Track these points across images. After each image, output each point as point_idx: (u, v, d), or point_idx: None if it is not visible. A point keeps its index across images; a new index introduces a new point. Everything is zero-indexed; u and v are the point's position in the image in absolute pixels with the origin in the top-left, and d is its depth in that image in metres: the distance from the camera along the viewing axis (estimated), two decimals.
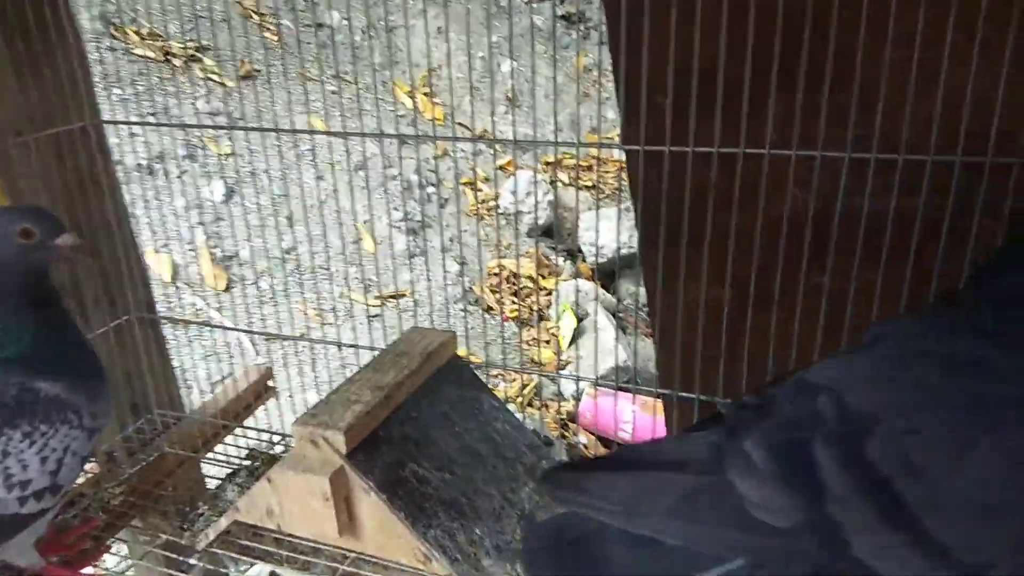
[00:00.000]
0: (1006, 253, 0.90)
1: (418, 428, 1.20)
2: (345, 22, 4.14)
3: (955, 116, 1.03)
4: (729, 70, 1.10)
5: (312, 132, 1.79)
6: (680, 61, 1.12)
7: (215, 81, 3.67)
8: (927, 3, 0.99)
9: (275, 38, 4.00)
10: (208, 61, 3.79)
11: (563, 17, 4.34)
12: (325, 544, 1.16)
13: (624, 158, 1.24)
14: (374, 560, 1.14)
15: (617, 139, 3.99)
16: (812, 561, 0.78)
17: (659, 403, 2.17)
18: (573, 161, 4.10)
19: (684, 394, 1.29)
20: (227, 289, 3.05)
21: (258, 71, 3.78)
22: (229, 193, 3.32)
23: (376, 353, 1.29)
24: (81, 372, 1.11)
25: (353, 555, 1.15)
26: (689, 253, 1.20)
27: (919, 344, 0.81)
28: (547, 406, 2.72)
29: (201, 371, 2.68)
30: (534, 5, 4.83)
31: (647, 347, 2.78)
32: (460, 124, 3.91)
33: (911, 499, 0.73)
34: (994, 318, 0.79)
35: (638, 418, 2.18)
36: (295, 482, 1.06)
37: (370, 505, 1.08)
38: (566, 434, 2.53)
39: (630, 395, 2.31)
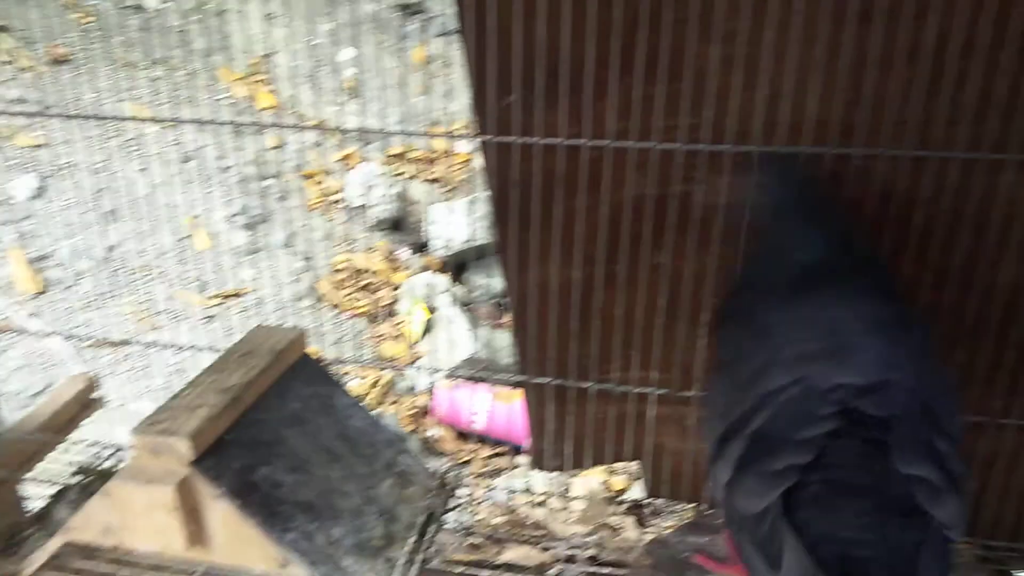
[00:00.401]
0: None
1: (269, 430, 1.15)
2: (169, 3, 3.89)
3: (774, 109, 1.12)
4: (573, 64, 1.13)
5: (137, 119, 1.66)
6: (526, 52, 1.14)
7: (21, 66, 3.33)
8: (751, 2, 1.06)
9: (90, 19, 3.69)
10: (11, 42, 3.43)
11: (402, 6, 4.30)
12: (172, 558, 1.09)
13: (469, 150, 1.26)
14: (226, 571, 1.09)
15: (464, 131, 4.01)
16: None
17: (516, 392, 2.21)
18: (418, 153, 4.08)
19: (539, 379, 1.32)
20: (42, 293, 2.78)
21: (72, 55, 3.47)
22: (41, 188, 3.04)
23: (218, 355, 1.23)
24: None
25: (203, 567, 1.08)
26: (540, 237, 1.23)
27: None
28: (399, 401, 2.70)
29: (15, 384, 2.44)
30: None
31: (499, 338, 2.82)
32: (296, 113, 3.78)
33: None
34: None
35: (494, 407, 2.20)
36: (136, 495, 0.98)
37: (221, 513, 1.02)
38: (419, 428, 2.52)
39: (485, 385, 2.34)
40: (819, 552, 0.74)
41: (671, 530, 1.11)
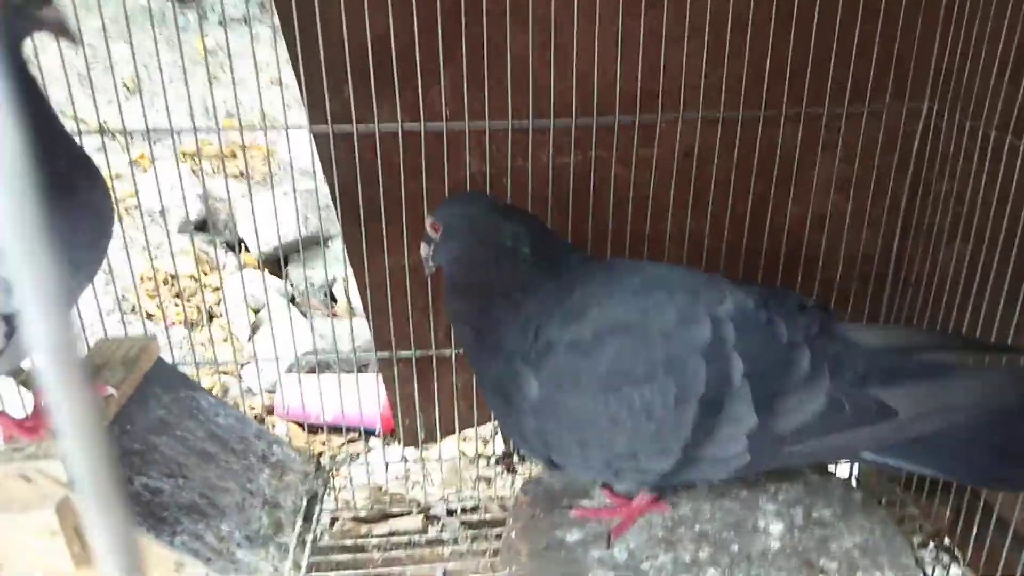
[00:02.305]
0: None
1: (138, 439, 1.13)
2: None
3: (587, 87, 1.25)
4: (399, 51, 1.20)
5: None
6: (355, 43, 1.18)
7: None
8: None
9: None
10: None
11: None
12: None
13: (270, 142, 1.28)
14: None
15: (257, 123, 3.88)
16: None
17: (362, 376, 2.24)
18: (214, 149, 3.91)
19: (401, 353, 1.39)
20: None
21: None
22: None
23: None
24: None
25: None
26: (388, 222, 1.29)
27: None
28: (237, 405, 2.63)
29: None
30: None
31: (331, 327, 2.81)
32: (73, 117, 3.49)
33: None
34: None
35: (345, 394, 2.22)
36: (14, 524, 0.95)
37: None
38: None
39: (329, 375, 2.35)
40: None
41: (539, 471, 1.22)
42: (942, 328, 1.28)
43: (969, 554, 1.29)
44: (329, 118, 1.23)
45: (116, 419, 1.12)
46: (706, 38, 1.23)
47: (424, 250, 1.08)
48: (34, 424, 1.03)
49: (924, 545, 1.35)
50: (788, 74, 1.26)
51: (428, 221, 1.06)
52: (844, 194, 1.35)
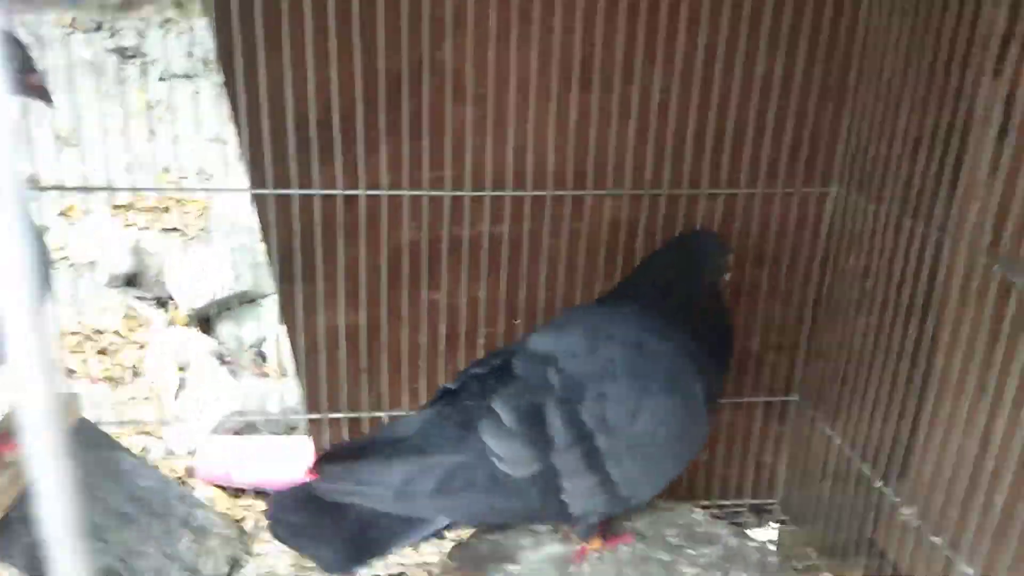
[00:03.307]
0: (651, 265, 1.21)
1: None
2: None
3: (521, 160, 1.31)
4: (342, 119, 1.24)
5: None
6: (298, 109, 1.22)
7: None
8: (495, 70, 1.25)
9: None
10: None
11: (119, 50, 4.07)
12: None
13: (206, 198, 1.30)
14: None
15: (194, 179, 3.88)
16: (532, 505, 1.01)
17: (291, 438, 2.21)
18: (149, 203, 3.87)
19: (332, 415, 1.39)
20: None
21: None
22: None
23: None
24: None
25: None
26: (325, 285, 1.30)
27: (605, 327, 1.09)
28: (157, 467, 2.55)
29: None
30: (80, 35, 4.44)
31: (261, 386, 2.77)
32: None
33: (603, 449, 0.99)
34: (650, 313, 1.11)
35: (272, 455, 2.18)
36: None
37: None
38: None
39: (255, 435, 2.31)
40: None
41: (472, 534, 1.23)
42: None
43: None
44: (270, 180, 1.25)
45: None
46: (633, 119, 1.31)
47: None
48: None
49: None
50: (708, 154, 1.35)
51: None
52: (761, 268, 1.43)
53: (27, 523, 1.04)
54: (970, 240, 1.11)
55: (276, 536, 1.02)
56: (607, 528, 1.19)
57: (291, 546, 1.00)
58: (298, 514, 0.99)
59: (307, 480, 0.99)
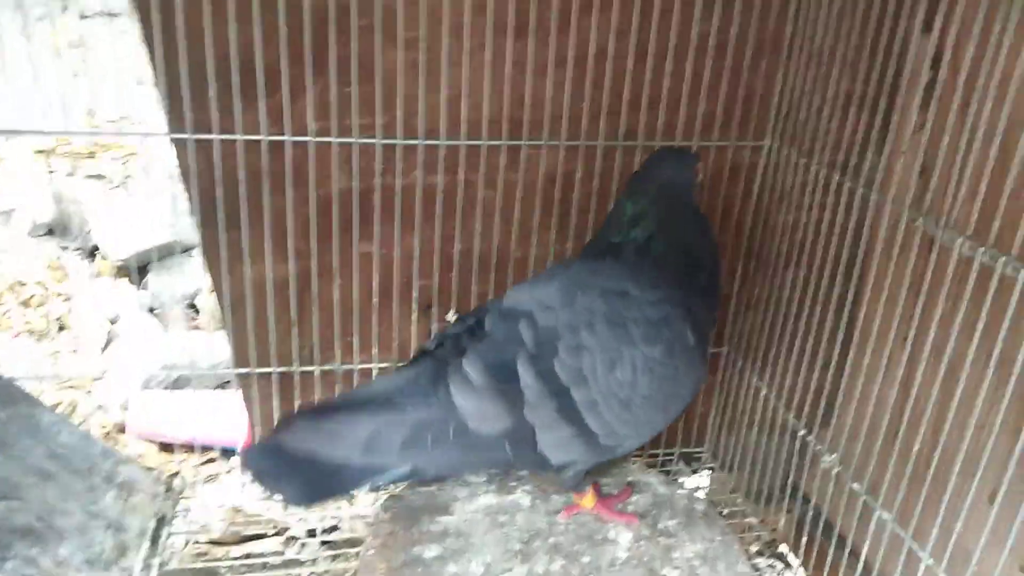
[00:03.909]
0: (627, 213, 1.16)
1: None
2: None
3: (455, 108, 1.28)
4: (266, 61, 1.18)
5: None
6: (219, 50, 1.16)
7: None
8: (427, 11, 1.20)
9: None
10: None
11: None
12: None
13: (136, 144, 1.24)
14: None
15: (121, 123, 3.71)
16: (504, 458, 1.01)
17: (224, 392, 2.17)
18: (70, 148, 3.70)
19: (264, 370, 1.36)
20: None
21: None
22: None
23: None
24: None
25: None
26: (251, 234, 1.26)
27: (585, 279, 1.07)
28: (86, 422, 2.49)
29: None
30: None
31: (195, 340, 2.71)
32: None
33: (579, 401, 0.99)
34: (632, 262, 1.10)
35: (205, 410, 2.14)
36: None
37: None
38: (116, 447, 2.35)
39: (187, 391, 2.26)
40: None
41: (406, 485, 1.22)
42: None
43: (802, 557, 1.39)
44: (189, 125, 1.19)
45: None
46: (569, 70, 1.28)
47: None
48: None
49: (762, 553, 1.45)
50: (644, 107, 1.33)
51: None
52: None
53: None
54: (896, 195, 1.13)
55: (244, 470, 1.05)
56: (611, 500, 1.23)
57: (258, 483, 1.01)
58: (267, 461, 0.99)
59: (276, 435, 1.00)
